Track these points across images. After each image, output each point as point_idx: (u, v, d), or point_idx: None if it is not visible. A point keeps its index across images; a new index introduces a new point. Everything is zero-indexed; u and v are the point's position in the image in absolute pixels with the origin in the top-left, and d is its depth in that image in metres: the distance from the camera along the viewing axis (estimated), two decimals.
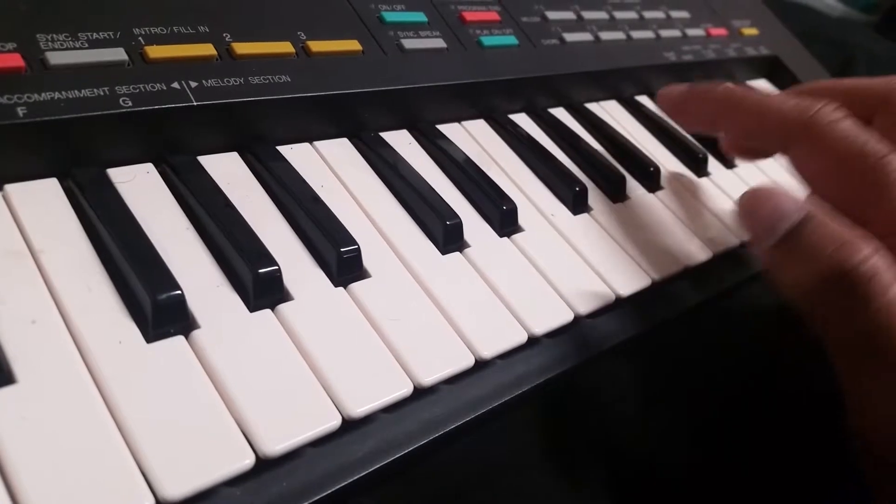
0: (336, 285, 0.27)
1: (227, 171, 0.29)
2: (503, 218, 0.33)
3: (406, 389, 0.25)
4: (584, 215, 0.36)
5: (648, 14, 0.52)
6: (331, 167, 0.32)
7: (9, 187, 0.25)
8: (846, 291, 0.25)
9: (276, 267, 0.25)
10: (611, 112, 0.46)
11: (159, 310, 0.22)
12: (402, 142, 0.35)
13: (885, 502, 0.25)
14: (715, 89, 0.36)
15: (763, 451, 0.31)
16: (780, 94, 0.35)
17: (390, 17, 0.37)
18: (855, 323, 0.25)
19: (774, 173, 0.48)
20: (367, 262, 0.28)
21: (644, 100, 0.49)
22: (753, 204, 0.29)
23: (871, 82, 0.36)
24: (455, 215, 0.31)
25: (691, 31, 0.54)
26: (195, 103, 0.28)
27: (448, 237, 0.30)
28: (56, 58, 0.26)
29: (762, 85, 0.60)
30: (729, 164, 0.46)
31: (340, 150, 0.33)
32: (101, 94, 0.26)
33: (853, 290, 0.25)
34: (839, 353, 0.26)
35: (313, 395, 0.23)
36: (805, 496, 0.30)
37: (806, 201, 0.28)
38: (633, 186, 0.40)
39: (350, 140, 0.34)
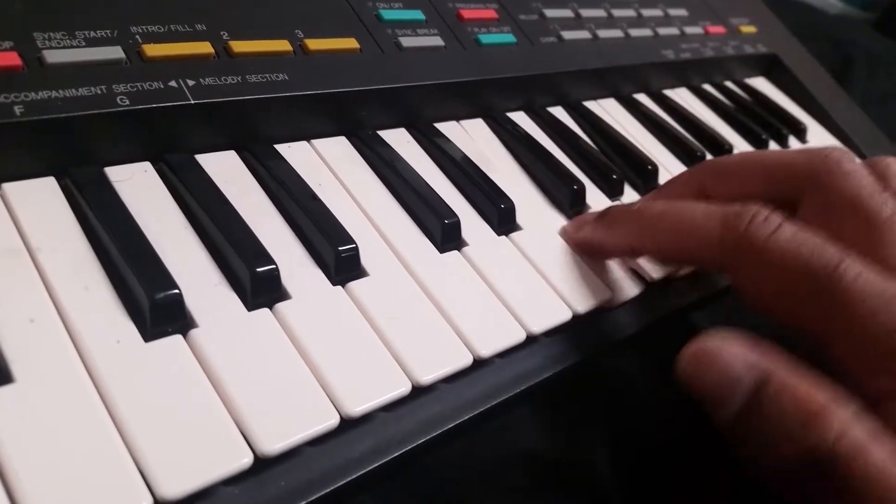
0: (334, 284, 0.27)
1: (225, 169, 0.29)
2: (501, 216, 0.33)
3: (404, 388, 0.25)
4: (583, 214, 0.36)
5: (646, 12, 0.52)
6: (329, 165, 0.32)
7: (6, 186, 0.25)
8: (825, 474, 0.21)
9: (274, 266, 0.25)
10: (609, 110, 0.46)
11: (157, 309, 0.22)
12: (400, 140, 0.35)
13: None
14: (626, 210, 0.31)
15: None
16: (692, 203, 0.29)
17: (388, 15, 0.37)
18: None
19: None
20: (365, 260, 0.28)
21: (642, 98, 0.49)
22: (696, 369, 0.24)
23: (791, 159, 0.31)
24: (453, 214, 0.31)
25: (689, 29, 0.54)
26: (192, 102, 0.28)
27: (446, 236, 0.30)
28: (53, 56, 0.26)
29: (761, 83, 0.61)
30: None
31: (338, 149, 0.33)
32: (99, 92, 0.26)
33: (833, 474, 0.21)
34: None
35: (311, 394, 0.23)
36: None
37: (762, 355, 0.23)
38: (631, 185, 0.40)
39: (348, 138, 0.34)
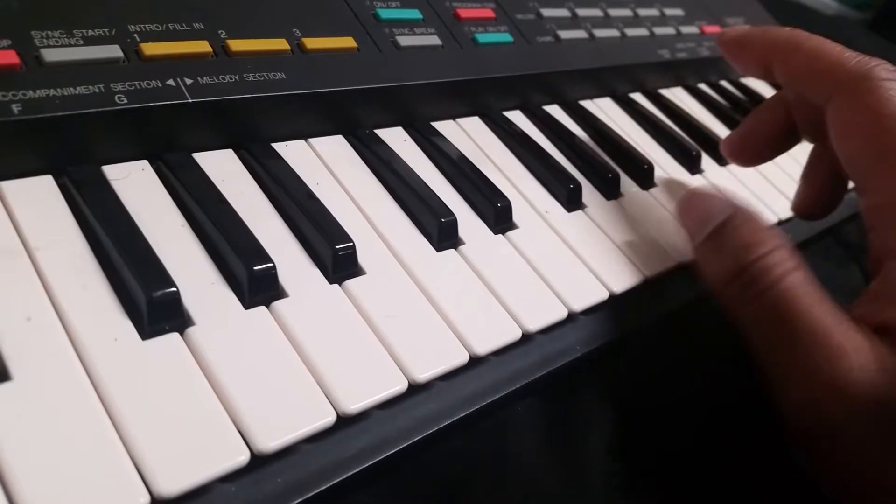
0: (331, 282, 0.27)
1: (223, 168, 0.29)
2: (498, 215, 0.33)
3: (401, 386, 0.25)
4: (579, 212, 0.36)
5: (643, 12, 0.52)
6: (326, 164, 0.32)
7: (4, 184, 0.25)
8: (751, 280, 0.28)
9: (272, 264, 0.25)
10: (605, 109, 0.46)
11: (154, 307, 0.23)
12: (397, 139, 0.35)
13: (824, 479, 0.27)
14: (779, 30, 0.36)
15: (765, 450, 0.31)
16: (838, 45, 0.33)
17: (385, 14, 0.37)
18: (759, 308, 0.28)
19: (759, 179, 0.48)
20: (362, 259, 0.28)
21: (638, 97, 0.49)
22: (689, 205, 0.32)
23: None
24: (450, 212, 0.31)
25: (685, 29, 0.54)
26: (190, 100, 0.28)
27: (443, 234, 0.31)
28: (51, 55, 0.26)
29: (756, 82, 0.61)
30: (722, 162, 0.47)
31: (336, 147, 0.33)
32: (97, 91, 0.26)
33: (756, 278, 0.28)
34: (751, 338, 0.28)
35: (308, 392, 0.23)
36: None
37: (733, 204, 0.31)
38: (627, 184, 0.40)
39: (345, 137, 0.34)
